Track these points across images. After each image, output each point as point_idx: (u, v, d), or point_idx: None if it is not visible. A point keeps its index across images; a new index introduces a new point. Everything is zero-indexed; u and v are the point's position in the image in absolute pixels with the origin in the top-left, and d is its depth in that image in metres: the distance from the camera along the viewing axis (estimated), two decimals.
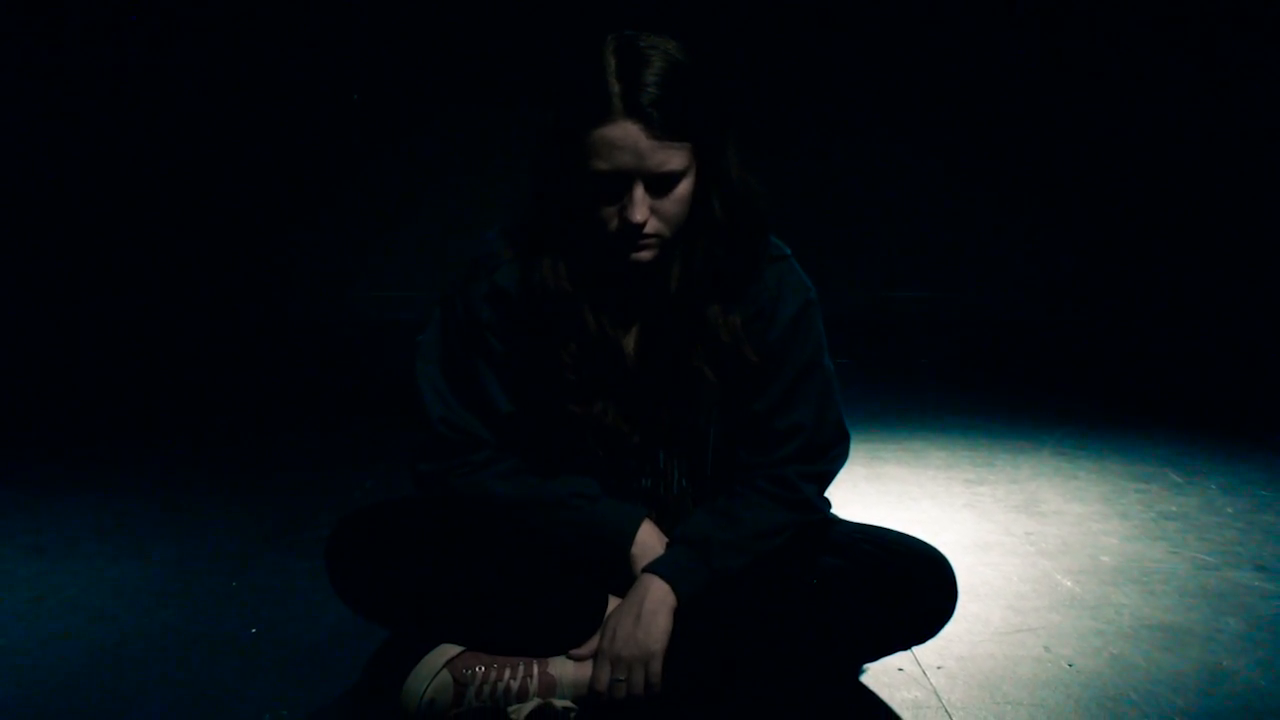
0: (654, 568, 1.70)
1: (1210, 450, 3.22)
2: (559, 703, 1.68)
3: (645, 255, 1.63)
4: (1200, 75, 5.31)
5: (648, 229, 1.60)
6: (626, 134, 1.55)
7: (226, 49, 5.42)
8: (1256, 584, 2.25)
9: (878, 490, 2.86)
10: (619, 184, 1.58)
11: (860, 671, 1.85)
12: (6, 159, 5.21)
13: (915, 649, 1.91)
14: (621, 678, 1.67)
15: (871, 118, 5.54)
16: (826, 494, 1.83)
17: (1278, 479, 2.93)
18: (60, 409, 3.83)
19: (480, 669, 1.68)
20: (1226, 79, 5.29)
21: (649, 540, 1.74)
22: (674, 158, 1.57)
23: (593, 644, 1.71)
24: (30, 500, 2.76)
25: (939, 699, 1.77)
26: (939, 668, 1.87)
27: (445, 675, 1.67)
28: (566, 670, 1.70)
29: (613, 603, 1.73)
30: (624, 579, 1.73)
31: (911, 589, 1.71)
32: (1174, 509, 2.71)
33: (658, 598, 1.68)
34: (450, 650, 1.69)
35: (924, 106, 5.50)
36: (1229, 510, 2.70)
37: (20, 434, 3.49)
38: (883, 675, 1.84)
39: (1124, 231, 5.49)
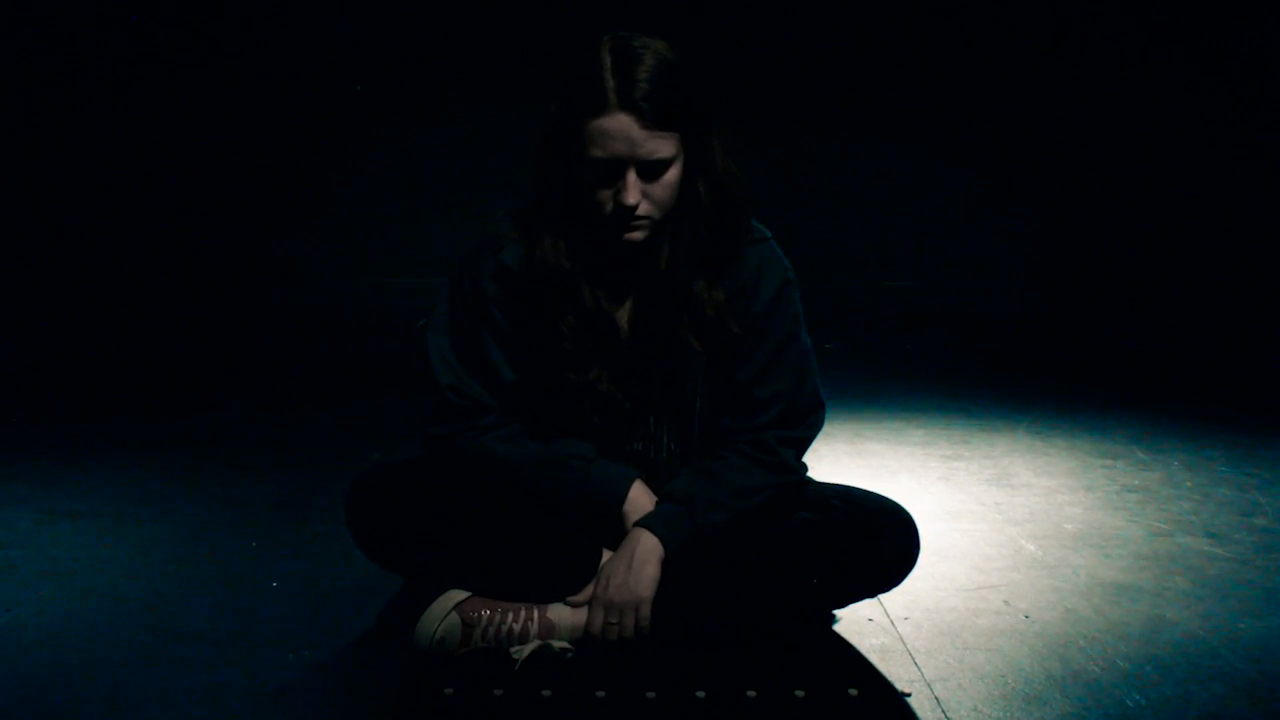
0: (644, 522, 1.86)
1: (1177, 431, 3.38)
2: (557, 644, 1.84)
3: (637, 235, 1.79)
4: (1173, 70, 5.46)
5: (640, 211, 1.76)
6: (620, 124, 1.71)
7: (231, 41, 5.55)
8: (1206, 549, 2.41)
9: (859, 464, 3.02)
10: (614, 170, 1.74)
11: (833, 621, 2.01)
12: (31, 144, 5.35)
13: (884, 602, 2.07)
14: (614, 621, 1.83)
15: (863, 117, 5.70)
16: (804, 459, 2.00)
17: (1237, 456, 3.10)
18: (87, 388, 4.02)
19: (486, 612, 1.84)
20: (1200, 73, 5.44)
21: (639, 498, 1.89)
22: (663, 146, 1.73)
23: (588, 591, 1.86)
24: (59, 471, 2.93)
25: (904, 645, 1.93)
26: (905, 618, 2.03)
27: (454, 617, 1.83)
28: (564, 615, 1.86)
29: (606, 555, 1.89)
30: (616, 533, 1.89)
31: (878, 540, 1.88)
32: (1137, 483, 2.87)
33: (647, 549, 1.84)
34: (459, 595, 1.85)
35: (914, 107, 5.66)
36: (1188, 484, 2.86)
37: (50, 411, 3.67)
38: (853, 625, 2.00)
39: (1100, 226, 5.66)
